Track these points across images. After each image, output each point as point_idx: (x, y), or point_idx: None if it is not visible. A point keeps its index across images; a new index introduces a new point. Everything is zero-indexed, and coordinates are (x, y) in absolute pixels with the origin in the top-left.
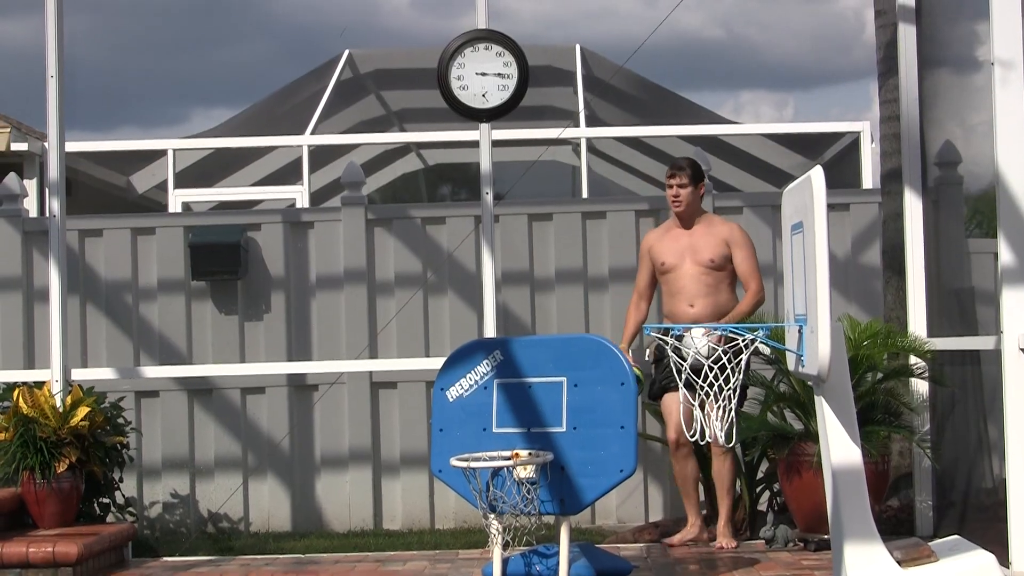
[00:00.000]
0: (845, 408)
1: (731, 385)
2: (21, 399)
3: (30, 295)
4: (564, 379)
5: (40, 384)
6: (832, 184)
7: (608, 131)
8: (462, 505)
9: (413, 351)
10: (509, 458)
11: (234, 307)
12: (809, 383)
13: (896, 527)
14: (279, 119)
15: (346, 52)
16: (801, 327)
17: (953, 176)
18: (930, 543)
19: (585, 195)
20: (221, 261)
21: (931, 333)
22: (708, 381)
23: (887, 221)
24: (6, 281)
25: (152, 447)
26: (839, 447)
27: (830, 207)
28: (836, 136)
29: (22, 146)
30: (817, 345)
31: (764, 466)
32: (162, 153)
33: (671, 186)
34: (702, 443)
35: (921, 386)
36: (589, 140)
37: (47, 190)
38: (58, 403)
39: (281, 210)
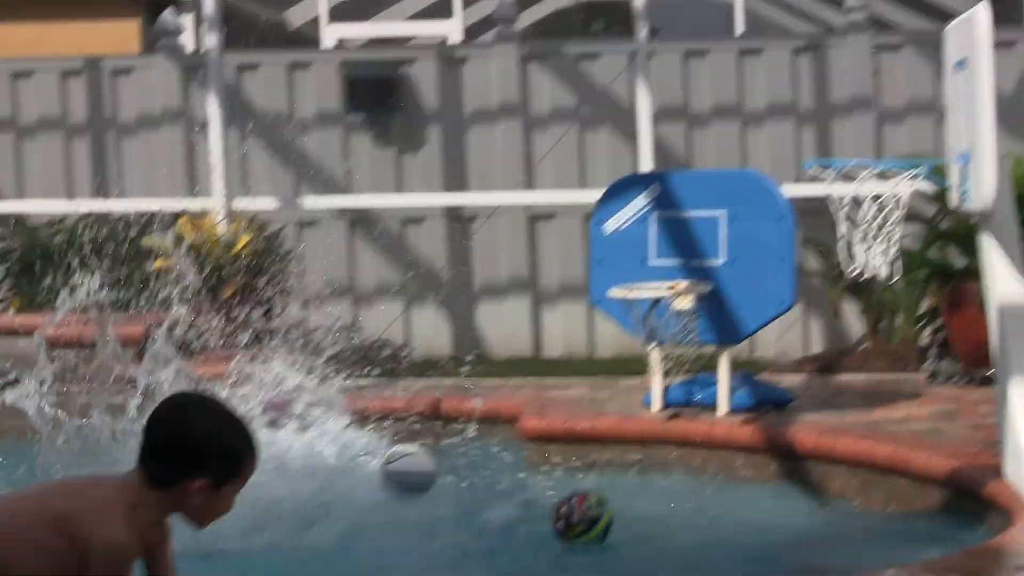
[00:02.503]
0: (1010, 245)
1: (893, 220)
2: (187, 227)
3: (191, 128)
4: (722, 213)
5: (204, 214)
6: (998, 20)
7: None
8: (622, 334)
9: (568, 185)
10: (668, 289)
11: (390, 140)
12: (972, 220)
13: None
14: None
15: None
16: (964, 164)
17: None
18: None
19: (740, 32)
20: (377, 95)
21: None
22: (868, 217)
23: None
24: (167, 115)
25: (313, 275)
26: (1004, 284)
27: (995, 44)
28: None
29: None
30: (981, 181)
31: (926, 302)
32: None
33: None
34: (862, 278)
35: None
36: None
37: (205, 25)
38: (222, 232)
39: (435, 45)
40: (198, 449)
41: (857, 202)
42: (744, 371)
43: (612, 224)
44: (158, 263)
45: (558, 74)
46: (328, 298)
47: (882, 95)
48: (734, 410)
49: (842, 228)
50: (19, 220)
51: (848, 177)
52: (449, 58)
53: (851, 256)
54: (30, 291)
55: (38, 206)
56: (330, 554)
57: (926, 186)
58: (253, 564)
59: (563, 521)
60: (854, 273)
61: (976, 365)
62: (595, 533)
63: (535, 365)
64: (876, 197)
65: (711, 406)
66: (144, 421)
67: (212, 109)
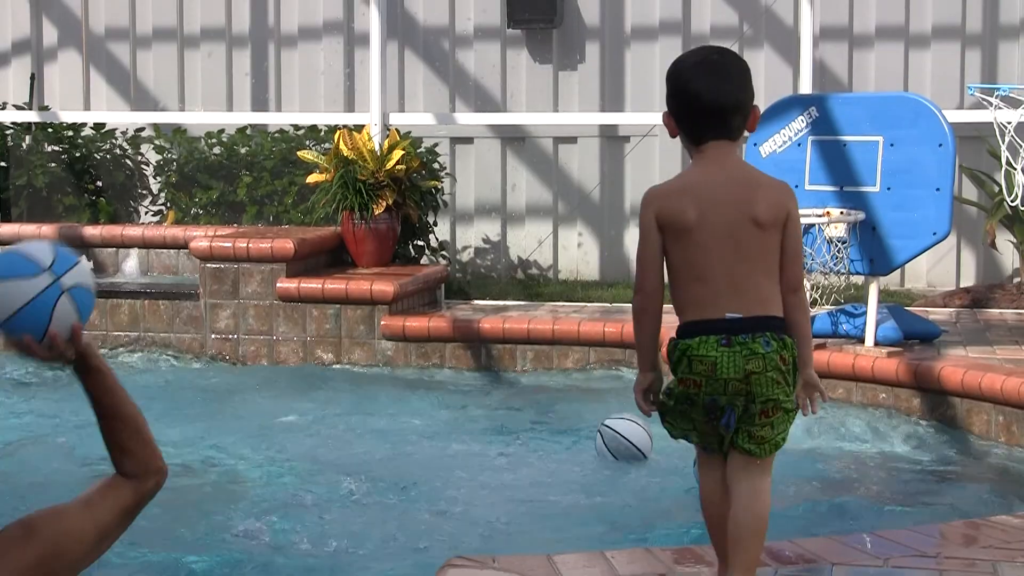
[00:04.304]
0: None
1: None
2: (342, 142)
3: (351, 40)
4: (880, 138)
5: (360, 127)
6: None
7: None
8: None
9: None
10: (821, 215)
11: (548, 56)
12: None
13: None
14: None
15: None
16: None
17: None
18: None
19: None
20: (537, 9)
21: None
22: None
23: None
24: (328, 26)
25: (465, 192)
26: None
27: None
28: None
29: None
30: None
31: None
32: None
33: None
34: (1022, 207)
35: None
36: None
37: None
38: (376, 146)
39: None
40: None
41: (1021, 129)
42: (893, 302)
43: (768, 147)
44: (312, 177)
45: None
46: (479, 216)
47: None
48: (880, 342)
49: (1004, 156)
50: (178, 131)
51: (1013, 103)
52: None
53: (1011, 185)
54: (187, 203)
55: (197, 118)
56: None
57: None
58: None
59: None
60: (1013, 203)
61: None
62: None
63: None
64: None
65: (857, 337)
66: (695, 93)
67: (373, 20)
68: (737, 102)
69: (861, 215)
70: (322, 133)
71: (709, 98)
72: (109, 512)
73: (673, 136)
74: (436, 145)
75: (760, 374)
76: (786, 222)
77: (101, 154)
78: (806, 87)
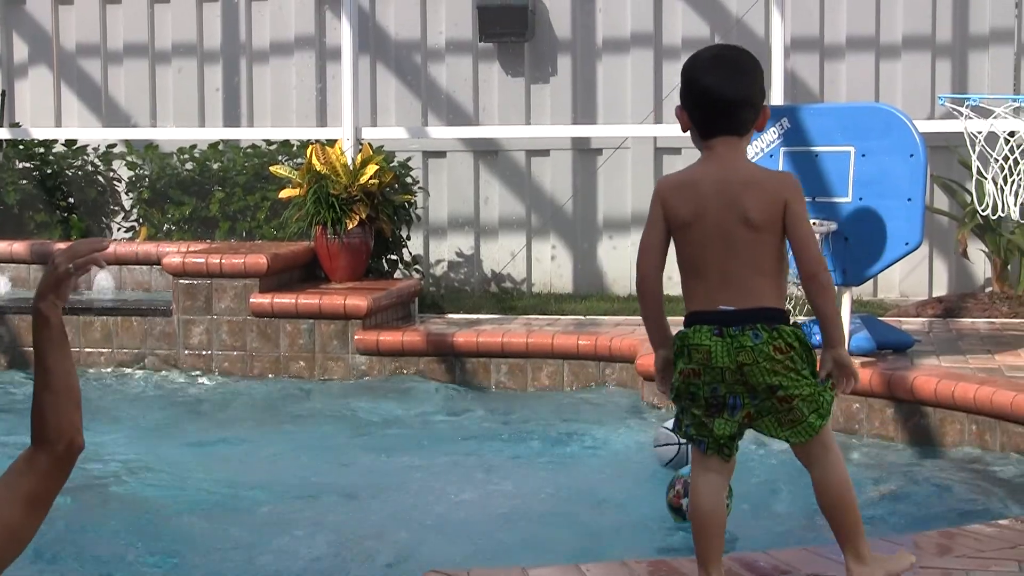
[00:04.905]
0: None
1: None
2: (314, 156)
3: (323, 54)
4: (852, 149)
5: (332, 142)
6: None
7: None
8: None
9: None
10: None
11: (520, 69)
12: None
13: None
14: None
15: None
16: None
17: None
18: None
19: None
20: (509, 22)
21: None
22: (1003, 155)
23: None
24: (300, 41)
25: (438, 206)
26: None
27: None
28: None
29: None
30: None
31: None
32: None
33: None
34: (993, 217)
35: None
36: None
37: None
38: (349, 161)
39: None
40: (762, 78)
41: (992, 139)
42: (866, 313)
43: None
44: (285, 192)
45: (692, 3)
46: (452, 230)
47: None
48: (854, 352)
49: (974, 165)
50: (150, 147)
51: (983, 112)
52: None
53: (982, 195)
54: (160, 219)
55: (169, 134)
56: None
57: None
58: None
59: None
60: (984, 212)
61: None
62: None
63: None
64: (1011, 134)
65: None
66: (705, 87)
67: (345, 35)
68: (746, 97)
69: (833, 226)
70: (294, 148)
71: (719, 91)
72: (27, 489)
73: (685, 130)
74: (409, 159)
75: (752, 365)
76: (785, 214)
77: (73, 171)
78: (777, 98)
